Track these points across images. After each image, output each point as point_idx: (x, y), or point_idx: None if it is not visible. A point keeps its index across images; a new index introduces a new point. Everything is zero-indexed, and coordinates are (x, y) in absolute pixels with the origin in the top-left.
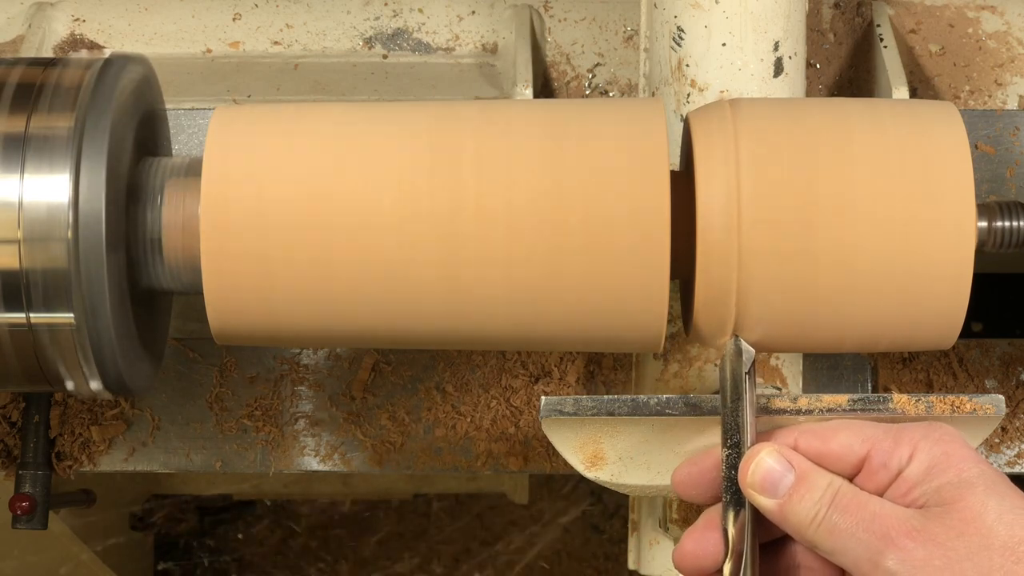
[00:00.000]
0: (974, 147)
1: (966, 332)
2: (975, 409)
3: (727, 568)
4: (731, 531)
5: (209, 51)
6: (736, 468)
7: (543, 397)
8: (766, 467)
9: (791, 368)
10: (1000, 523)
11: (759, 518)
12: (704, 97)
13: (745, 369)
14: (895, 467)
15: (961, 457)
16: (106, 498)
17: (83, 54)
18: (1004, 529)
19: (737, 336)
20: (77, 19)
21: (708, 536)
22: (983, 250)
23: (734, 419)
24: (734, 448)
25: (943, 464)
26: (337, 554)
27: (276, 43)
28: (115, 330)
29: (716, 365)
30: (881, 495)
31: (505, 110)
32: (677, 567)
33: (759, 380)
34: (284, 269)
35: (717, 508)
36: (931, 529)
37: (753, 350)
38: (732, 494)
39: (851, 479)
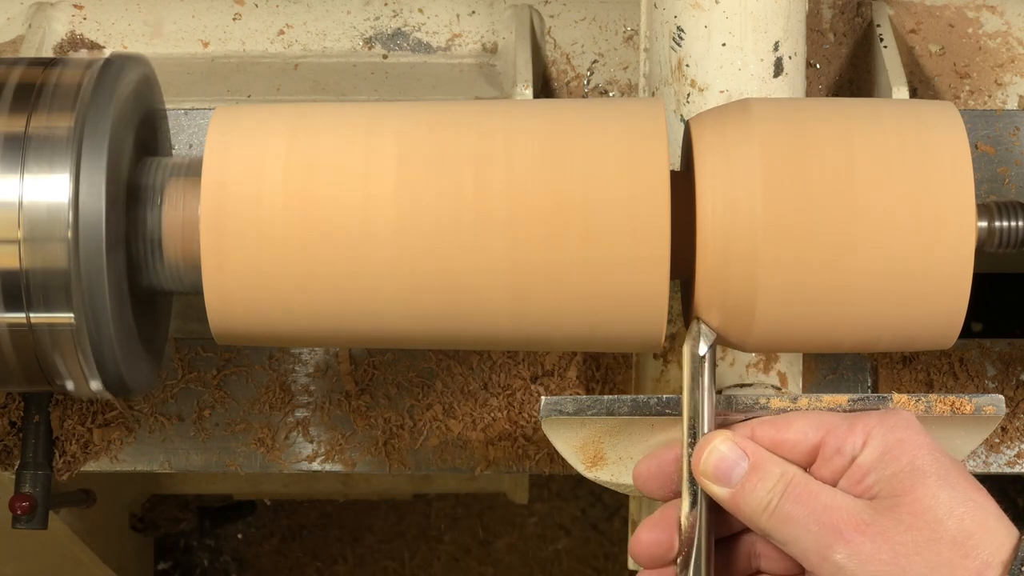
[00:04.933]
0: (974, 147)
1: (966, 332)
2: (975, 409)
3: (680, 558)
4: (684, 522)
5: (208, 50)
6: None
7: (543, 397)
8: (719, 455)
9: (791, 368)
10: (950, 516)
11: (717, 510)
12: (704, 97)
13: (701, 352)
14: (849, 453)
15: (915, 444)
16: (106, 498)
17: (83, 54)
18: (954, 522)
19: (699, 319)
20: (77, 19)
21: (664, 526)
22: (983, 250)
23: (692, 406)
24: (692, 438)
25: (896, 451)
26: (337, 554)
27: (276, 43)
28: (115, 330)
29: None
30: (836, 482)
31: (505, 110)
32: (633, 557)
33: (765, 379)
34: (284, 269)
35: (677, 501)
36: (880, 523)
37: (713, 333)
38: (690, 485)
39: (807, 468)
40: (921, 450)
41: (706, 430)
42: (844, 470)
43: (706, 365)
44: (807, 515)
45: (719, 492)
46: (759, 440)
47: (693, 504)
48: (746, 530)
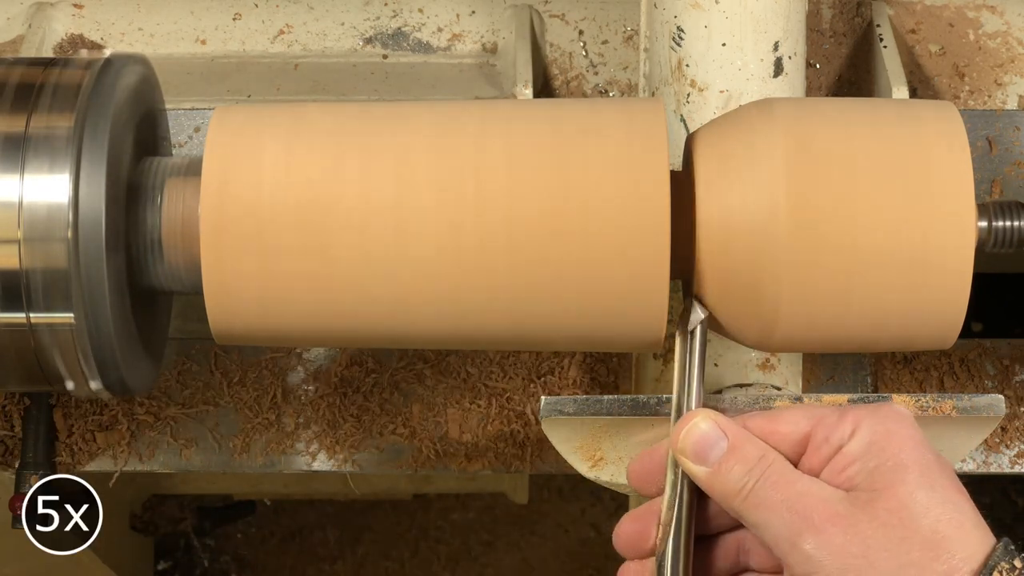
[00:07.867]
0: (974, 147)
1: (966, 332)
2: (975, 409)
3: (658, 548)
4: (664, 511)
5: (208, 50)
6: None
7: (543, 397)
8: (699, 432)
9: (791, 368)
10: (926, 516)
11: (698, 502)
12: (704, 97)
13: (690, 328)
14: (836, 442)
15: (903, 437)
16: (106, 498)
17: (83, 54)
18: (929, 523)
19: (694, 298)
20: (77, 19)
21: (648, 518)
22: (983, 250)
23: (679, 387)
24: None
25: (883, 443)
26: (337, 554)
27: (276, 43)
28: (115, 330)
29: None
30: (821, 470)
31: (505, 110)
32: (616, 547)
33: (765, 379)
34: (284, 269)
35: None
36: (854, 515)
37: (703, 313)
38: (673, 474)
39: (798, 458)
40: (907, 444)
41: (693, 407)
42: (831, 458)
43: (697, 343)
44: (781, 501)
45: (697, 471)
46: (751, 430)
47: (674, 493)
48: (735, 527)
